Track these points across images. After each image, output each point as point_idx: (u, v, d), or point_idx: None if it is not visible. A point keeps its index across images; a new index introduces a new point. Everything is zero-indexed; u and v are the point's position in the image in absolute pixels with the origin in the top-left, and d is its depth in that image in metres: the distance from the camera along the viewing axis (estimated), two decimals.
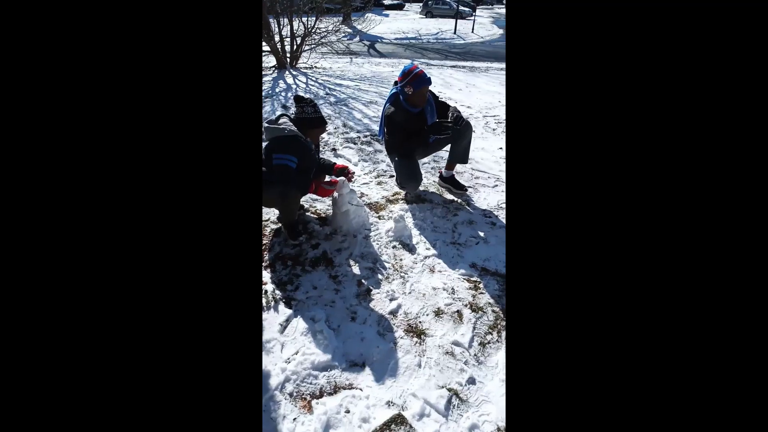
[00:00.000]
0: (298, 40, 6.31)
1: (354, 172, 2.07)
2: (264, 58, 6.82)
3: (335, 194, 1.98)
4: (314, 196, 2.19)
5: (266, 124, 1.74)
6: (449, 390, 1.24)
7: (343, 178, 1.92)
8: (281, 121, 1.76)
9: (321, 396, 1.23)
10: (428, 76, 2.03)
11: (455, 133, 2.11)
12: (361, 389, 1.25)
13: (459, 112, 2.18)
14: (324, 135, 3.18)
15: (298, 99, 1.81)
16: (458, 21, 13.87)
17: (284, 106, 4.05)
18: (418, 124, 2.11)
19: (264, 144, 1.69)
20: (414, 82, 1.99)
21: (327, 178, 2.03)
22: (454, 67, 7.00)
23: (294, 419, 1.16)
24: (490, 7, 26.42)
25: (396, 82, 2.14)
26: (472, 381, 1.28)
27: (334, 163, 2.04)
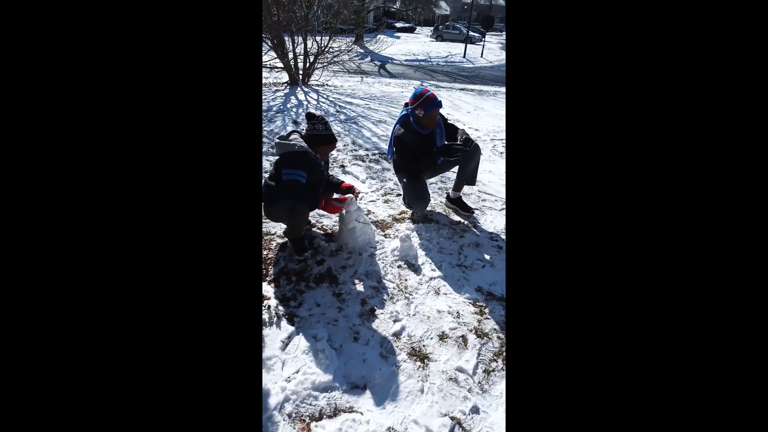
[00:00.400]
0: (311, 58, 6.47)
1: (360, 192, 2.08)
2: (277, 74, 6.99)
3: (343, 211, 1.99)
4: (321, 212, 2.19)
5: (277, 140, 1.77)
6: (452, 418, 1.21)
7: (351, 195, 1.93)
8: (292, 137, 1.79)
9: (320, 418, 1.20)
10: (439, 99, 2.06)
11: (464, 154, 2.13)
12: (361, 413, 1.22)
13: (468, 134, 2.20)
14: (333, 152, 3.21)
15: (309, 116, 1.83)
16: (468, 45, 14.20)
17: (295, 122, 4.12)
18: (427, 146, 2.14)
19: (274, 159, 1.71)
20: (425, 104, 2.02)
21: (335, 195, 2.04)
22: (462, 90, 7.12)
23: None
24: (500, 33, 27.07)
25: (407, 104, 2.18)
26: (475, 410, 1.24)
27: (342, 181, 2.06)
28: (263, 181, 1.81)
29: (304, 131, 1.82)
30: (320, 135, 1.79)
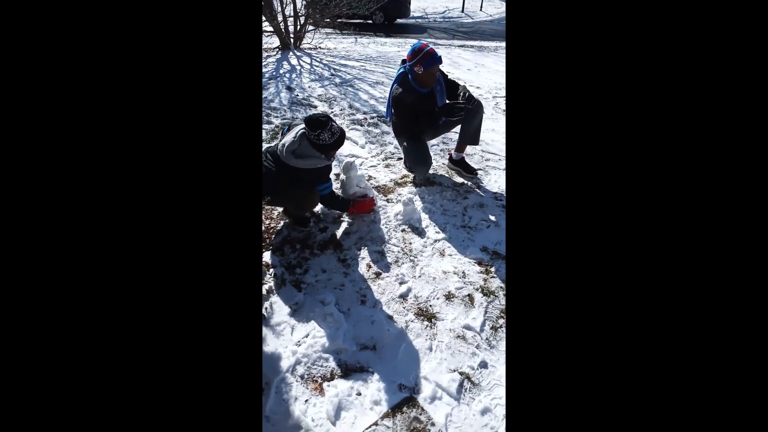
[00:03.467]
0: (302, 19, 6.14)
1: (375, 202, 2.00)
2: (267, 39, 6.67)
3: (342, 176, 1.95)
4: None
5: (289, 154, 1.59)
6: (461, 374, 1.24)
7: (352, 160, 1.88)
8: (302, 144, 1.60)
9: (332, 378, 1.23)
10: (439, 54, 1.95)
11: (466, 113, 2.04)
12: (372, 372, 1.24)
13: (469, 91, 2.10)
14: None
15: (312, 124, 1.57)
16: None
17: (289, 88, 3.97)
18: (427, 105, 2.05)
19: (288, 162, 1.60)
20: (424, 60, 1.91)
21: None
22: (462, 46, 6.80)
23: (306, 401, 1.16)
24: None
25: (404, 61, 2.06)
26: (484, 365, 1.27)
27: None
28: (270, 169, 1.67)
29: (311, 136, 1.60)
30: (329, 144, 1.61)
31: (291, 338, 1.35)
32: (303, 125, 1.63)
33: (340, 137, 1.63)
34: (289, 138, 1.61)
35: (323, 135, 1.57)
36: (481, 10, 12.85)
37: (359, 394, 1.18)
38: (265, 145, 1.80)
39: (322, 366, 1.26)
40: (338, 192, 1.99)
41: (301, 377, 1.23)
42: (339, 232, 1.85)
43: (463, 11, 12.55)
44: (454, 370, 1.25)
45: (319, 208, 1.98)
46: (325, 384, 1.21)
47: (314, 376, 1.23)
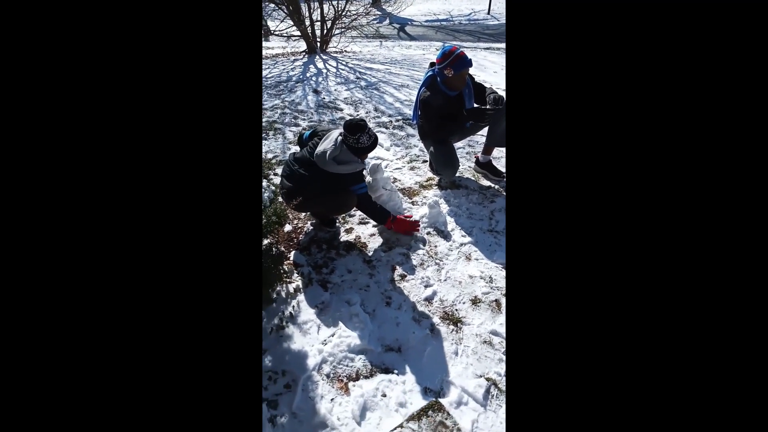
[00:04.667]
0: (329, 24, 6.24)
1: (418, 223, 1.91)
2: (294, 43, 6.81)
3: (368, 178, 1.96)
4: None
5: (331, 161, 1.62)
6: (487, 380, 1.22)
7: (378, 162, 1.89)
8: (342, 150, 1.64)
9: (358, 378, 1.24)
10: (469, 58, 1.94)
11: (495, 114, 2.02)
12: (397, 374, 1.24)
13: (496, 92, 2.08)
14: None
15: (352, 129, 1.61)
16: (492, 0, 13.26)
17: (315, 91, 4.04)
18: (455, 108, 2.04)
19: (328, 167, 1.63)
20: (455, 64, 1.91)
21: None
22: (488, 49, 6.72)
23: (332, 399, 1.17)
24: None
25: (432, 64, 2.06)
26: None
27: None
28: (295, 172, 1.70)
29: (350, 141, 1.63)
30: (367, 147, 1.66)
31: (317, 337, 1.37)
32: (339, 131, 1.68)
33: (375, 139, 1.68)
34: (328, 145, 1.63)
35: (362, 138, 1.62)
36: None
37: (384, 395, 1.18)
38: (291, 149, 1.84)
39: (347, 366, 1.27)
40: None
41: (327, 376, 1.24)
42: (364, 234, 1.87)
43: (489, 13, 12.40)
44: (481, 376, 1.23)
45: None
46: (350, 384, 1.22)
47: (340, 376, 1.24)
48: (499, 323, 1.40)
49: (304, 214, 1.98)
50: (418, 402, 1.16)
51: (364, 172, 1.78)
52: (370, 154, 1.97)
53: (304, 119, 3.31)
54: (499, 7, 12.83)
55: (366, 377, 1.24)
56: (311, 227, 1.91)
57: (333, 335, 1.37)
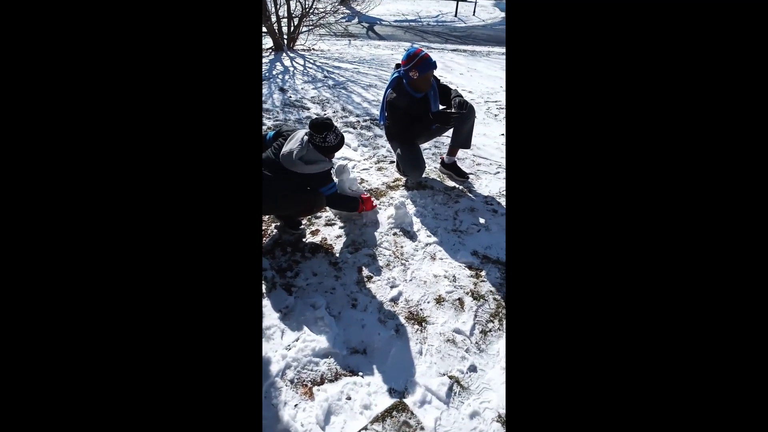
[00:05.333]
0: (296, 21, 6.12)
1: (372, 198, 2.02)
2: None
3: (335, 179, 1.95)
4: None
5: (297, 160, 1.59)
6: (450, 377, 1.24)
7: (345, 163, 1.88)
8: (309, 150, 1.61)
9: (322, 383, 1.22)
10: (434, 60, 1.97)
11: (459, 117, 2.06)
12: (362, 376, 1.24)
13: (461, 96, 2.13)
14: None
15: (318, 127, 1.59)
16: (459, 3, 13.54)
17: (282, 89, 3.96)
18: (421, 110, 2.06)
19: (297, 169, 1.61)
20: (420, 66, 1.93)
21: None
22: (455, 50, 6.85)
23: (295, 405, 1.16)
24: None
25: (398, 66, 2.08)
26: (473, 369, 1.28)
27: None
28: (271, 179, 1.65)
29: (316, 140, 1.61)
30: (334, 146, 1.65)
31: (281, 342, 1.34)
32: (305, 131, 1.65)
33: (342, 138, 1.67)
34: (294, 145, 1.60)
35: (329, 137, 1.61)
36: (474, 14, 12.97)
37: (349, 398, 1.18)
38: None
39: (312, 370, 1.26)
40: None
41: (291, 381, 1.22)
42: (330, 236, 1.85)
43: (456, 16, 12.64)
44: (444, 374, 1.25)
45: None
46: (315, 388, 1.21)
47: (304, 381, 1.23)
48: (462, 321, 1.43)
49: (267, 216, 1.94)
50: (383, 403, 1.17)
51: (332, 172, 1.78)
52: (337, 154, 1.96)
53: (269, 118, 3.23)
54: (466, 10, 13.11)
55: (331, 381, 1.23)
56: (275, 230, 1.87)
57: (297, 340, 1.35)
